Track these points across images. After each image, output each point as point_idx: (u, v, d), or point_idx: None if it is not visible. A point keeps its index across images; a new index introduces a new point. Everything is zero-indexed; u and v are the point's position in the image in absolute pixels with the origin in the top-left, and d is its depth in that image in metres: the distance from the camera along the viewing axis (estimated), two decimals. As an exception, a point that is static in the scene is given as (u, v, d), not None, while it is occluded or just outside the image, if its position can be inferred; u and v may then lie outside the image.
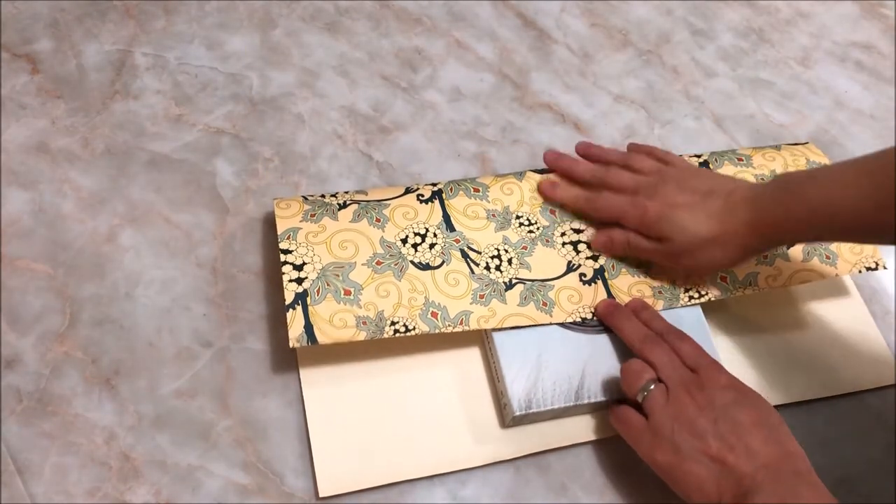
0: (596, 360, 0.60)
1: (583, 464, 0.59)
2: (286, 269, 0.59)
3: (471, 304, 0.61)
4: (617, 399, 0.59)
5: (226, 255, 0.65)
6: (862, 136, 0.78)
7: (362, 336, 0.57)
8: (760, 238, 0.57)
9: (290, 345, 0.56)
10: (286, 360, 0.61)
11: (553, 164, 0.67)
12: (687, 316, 0.63)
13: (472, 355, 0.62)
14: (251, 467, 0.57)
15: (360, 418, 0.58)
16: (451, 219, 0.65)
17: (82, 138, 0.69)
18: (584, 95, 0.80)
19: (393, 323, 0.58)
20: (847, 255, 0.67)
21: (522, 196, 0.67)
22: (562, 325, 0.61)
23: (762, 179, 0.69)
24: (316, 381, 0.59)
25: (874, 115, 0.80)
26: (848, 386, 0.64)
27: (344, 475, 0.56)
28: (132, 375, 0.59)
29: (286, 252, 0.60)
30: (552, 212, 0.67)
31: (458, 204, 0.65)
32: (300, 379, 0.59)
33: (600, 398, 0.58)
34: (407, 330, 0.58)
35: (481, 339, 0.63)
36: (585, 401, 0.58)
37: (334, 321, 0.57)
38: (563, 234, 0.66)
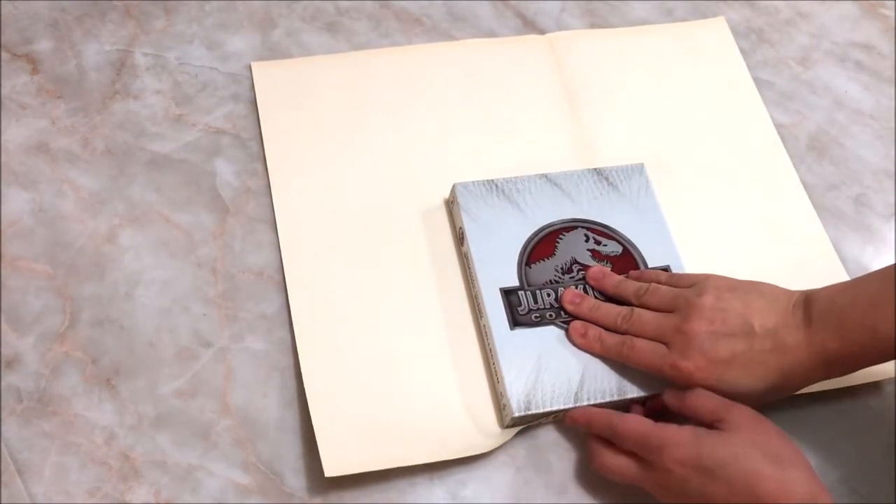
0: (596, 362, 0.60)
1: (583, 464, 0.59)
2: None
3: None
4: (618, 401, 0.59)
5: (226, 255, 0.65)
6: (862, 136, 0.78)
7: None
8: (828, 373, 0.55)
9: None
10: (286, 359, 0.61)
11: (575, 312, 0.62)
12: None
13: (473, 355, 0.62)
14: (251, 467, 0.57)
15: (361, 414, 0.58)
16: None
17: (82, 138, 0.69)
18: (584, 95, 0.80)
19: None
20: None
21: None
22: (562, 326, 0.61)
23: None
24: (316, 373, 0.59)
25: (874, 115, 0.80)
26: (847, 381, 0.64)
27: (347, 456, 0.55)
28: (132, 375, 0.59)
29: None
30: None
31: None
32: (301, 373, 0.59)
33: (600, 400, 0.58)
34: None
35: (481, 339, 0.63)
36: (585, 403, 0.58)
37: None
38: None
